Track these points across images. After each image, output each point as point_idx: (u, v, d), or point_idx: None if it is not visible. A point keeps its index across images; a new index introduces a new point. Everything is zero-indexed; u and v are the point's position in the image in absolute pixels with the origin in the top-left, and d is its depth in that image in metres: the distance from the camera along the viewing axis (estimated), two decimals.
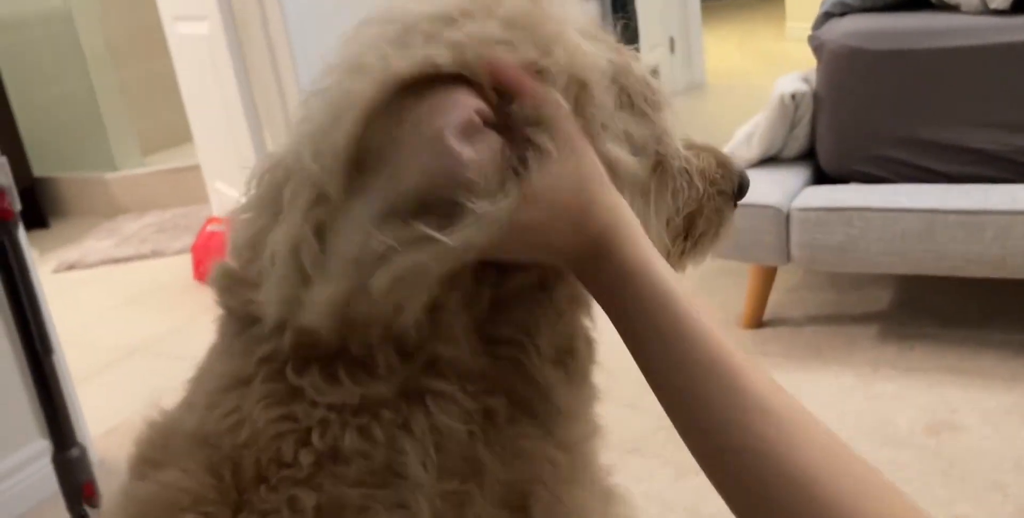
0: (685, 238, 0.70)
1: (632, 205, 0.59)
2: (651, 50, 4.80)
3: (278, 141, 2.68)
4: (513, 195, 0.50)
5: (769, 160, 2.32)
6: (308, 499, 0.51)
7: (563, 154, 0.52)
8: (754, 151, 2.27)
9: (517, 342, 0.56)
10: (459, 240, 0.48)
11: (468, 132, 0.49)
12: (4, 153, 1.51)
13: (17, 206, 1.49)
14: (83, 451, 1.62)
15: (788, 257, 2.13)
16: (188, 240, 3.42)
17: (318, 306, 0.50)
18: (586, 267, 0.55)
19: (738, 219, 2.31)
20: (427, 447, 0.53)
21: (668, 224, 0.67)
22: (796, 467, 0.49)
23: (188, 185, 3.95)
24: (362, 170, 0.50)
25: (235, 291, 0.57)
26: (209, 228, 3.13)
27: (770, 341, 2.24)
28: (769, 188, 2.15)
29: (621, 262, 0.53)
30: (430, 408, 0.53)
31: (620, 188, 0.57)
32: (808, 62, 2.33)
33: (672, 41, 5.17)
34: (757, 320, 2.30)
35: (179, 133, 3.93)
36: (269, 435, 0.52)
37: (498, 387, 0.56)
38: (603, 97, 0.58)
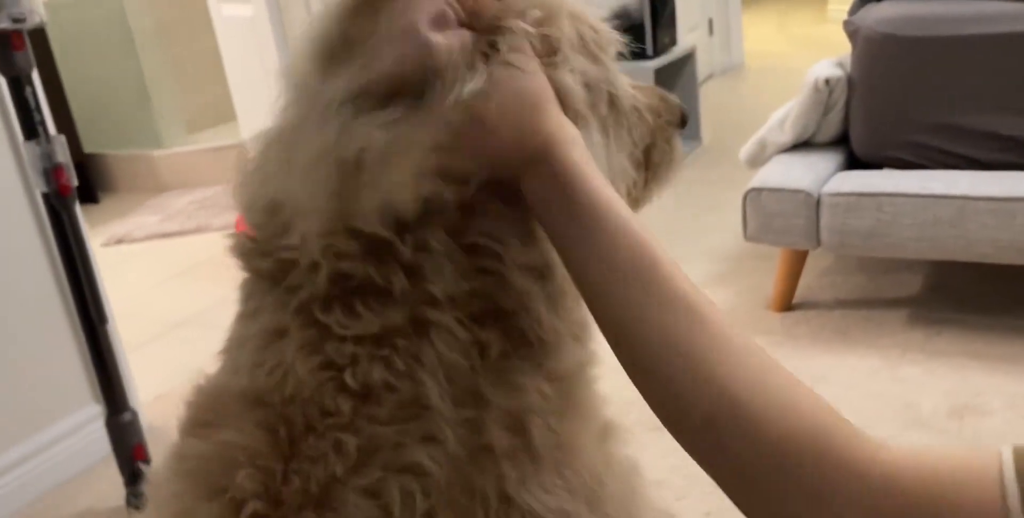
0: (646, 169, 0.74)
1: (594, 142, 0.64)
2: (689, 32, 4.77)
3: None
4: (477, 82, 0.54)
5: (803, 145, 2.34)
6: (350, 442, 0.55)
7: (518, 63, 0.57)
8: (787, 135, 2.29)
9: (491, 251, 0.58)
10: (427, 122, 0.53)
11: (439, 23, 0.54)
12: (58, 131, 1.60)
13: (74, 182, 1.57)
14: (134, 415, 1.71)
15: (818, 241, 2.15)
16: (231, 216, 3.51)
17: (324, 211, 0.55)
18: (527, 173, 0.57)
19: (770, 203, 2.32)
20: (439, 378, 0.56)
21: (630, 158, 0.71)
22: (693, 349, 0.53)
23: (232, 163, 4.04)
24: (337, 61, 0.54)
25: (261, 251, 0.61)
26: None
27: (799, 324, 2.27)
28: (801, 172, 2.17)
29: (562, 168, 0.56)
30: (434, 340, 0.57)
31: (572, 119, 0.60)
32: (848, 45, 2.34)
33: (711, 23, 5.14)
34: (787, 303, 2.33)
35: (224, 111, 4.01)
36: (312, 386, 0.56)
37: (488, 313, 0.58)
38: (562, 30, 0.62)
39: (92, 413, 1.97)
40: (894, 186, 2.04)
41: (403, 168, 0.54)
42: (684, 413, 0.54)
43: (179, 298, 2.94)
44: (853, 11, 2.31)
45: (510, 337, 0.59)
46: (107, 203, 4.20)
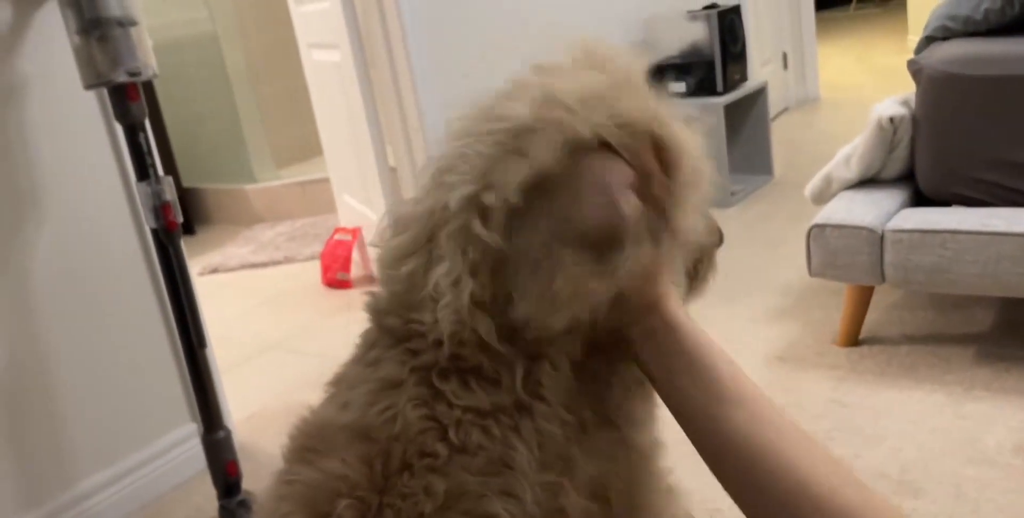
0: (692, 278, 0.86)
1: (673, 256, 0.76)
2: (763, 66, 4.80)
3: (399, 157, 2.89)
4: (644, 251, 0.67)
5: (868, 181, 2.37)
6: (440, 484, 0.63)
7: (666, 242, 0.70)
8: (852, 172, 2.33)
9: (600, 366, 0.72)
10: (621, 271, 0.65)
11: (625, 190, 0.66)
12: (160, 167, 1.75)
13: (180, 218, 1.72)
14: (228, 433, 1.84)
15: (882, 277, 2.18)
16: (317, 248, 3.68)
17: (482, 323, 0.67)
18: (640, 319, 0.70)
19: (835, 239, 2.35)
20: (531, 445, 0.66)
21: (685, 270, 0.83)
22: (758, 445, 0.65)
23: (317, 196, 4.22)
24: (539, 194, 0.67)
25: (393, 313, 0.71)
26: (336, 237, 3.38)
27: (865, 359, 2.29)
28: (865, 209, 2.20)
29: (671, 318, 0.70)
30: (535, 416, 0.67)
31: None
32: None
33: (785, 57, 5.15)
34: (853, 338, 2.35)
35: (310, 147, 4.21)
36: (416, 430, 0.65)
37: (586, 400, 0.70)
38: (692, 179, 0.73)
39: (189, 431, 2.11)
40: (956, 223, 2.06)
41: (581, 302, 0.66)
42: (765, 499, 0.64)
43: (268, 324, 3.10)
44: (918, 50, 2.34)
45: (605, 419, 0.71)
46: (202, 234, 4.44)
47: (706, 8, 3.60)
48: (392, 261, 0.72)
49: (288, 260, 3.76)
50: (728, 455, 0.65)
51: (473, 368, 0.67)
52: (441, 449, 0.64)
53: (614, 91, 0.69)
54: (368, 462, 0.65)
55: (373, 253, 0.75)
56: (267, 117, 4.66)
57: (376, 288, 0.75)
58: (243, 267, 3.77)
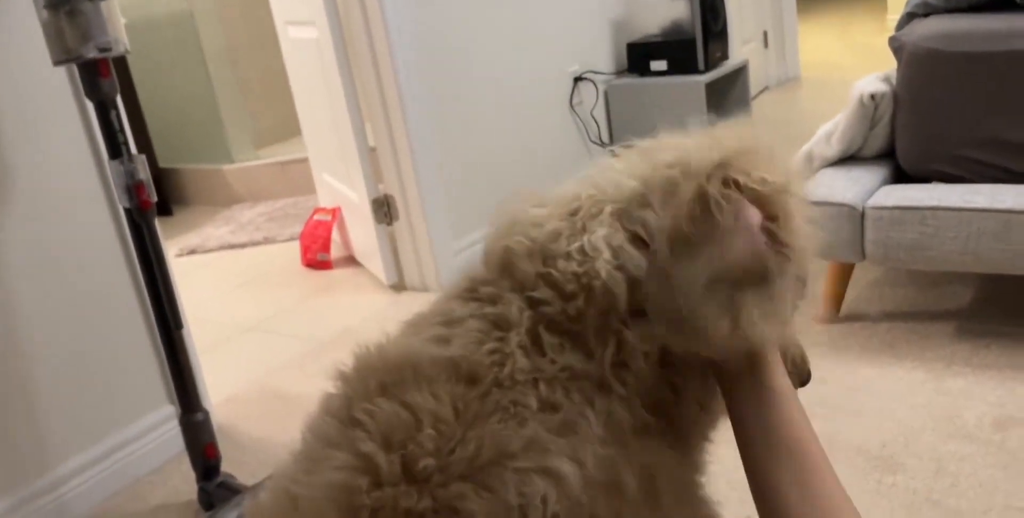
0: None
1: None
2: (743, 45, 4.79)
3: (379, 137, 2.86)
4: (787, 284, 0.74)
5: (849, 159, 2.36)
6: (525, 432, 0.67)
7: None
8: (833, 149, 2.32)
9: (681, 373, 0.76)
10: (785, 313, 0.73)
11: (759, 231, 0.73)
12: (135, 147, 1.72)
13: (154, 197, 1.69)
14: (206, 415, 1.82)
15: (863, 254, 2.18)
16: (297, 228, 3.65)
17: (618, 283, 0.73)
18: (743, 377, 0.74)
19: (816, 216, 2.35)
20: (600, 420, 0.70)
21: None
22: None
23: (297, 176, 4.19)
24: (689, 248, 0.72)
25: (532, 258, 0.75)
26: (316, 217, 3.35)
27: (846, 336, 2.29)
28: (846, 186, 2.20)
29: (774, 385, 0.74)
30: (612, 396, 0.71)
31: None
32: None
33: (766, 35, 5.14)
34: (834, 315, 2.35)
35: (289, 127, 4.17)
36: (520, 380, 0.69)
37: (657, 403, 0.74)
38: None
39: (167, 413, 2.09)
40: (937, 200, 2.06)
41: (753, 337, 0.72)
42: None
43: (246, 305, 3.08)
44: (899, 27, 2.33)
45: (665, 426, 0.75)
46: (180, 215, 4.39)
47: None
48: (538, 219, 0.78)
49: (267, 241, 3.73)
50: (762, 501, 0.70)
51: (576, 333, 0.72)
52: (532, 401, 0.69)
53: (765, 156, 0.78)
54: (464, 401, 0.68)
55: (502, 212, 0.85)
56: (246, 97, 4.61)
57: (499, 236, 0.79)
58: (221, 248, 3.74)
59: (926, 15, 2.30)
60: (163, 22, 4.35)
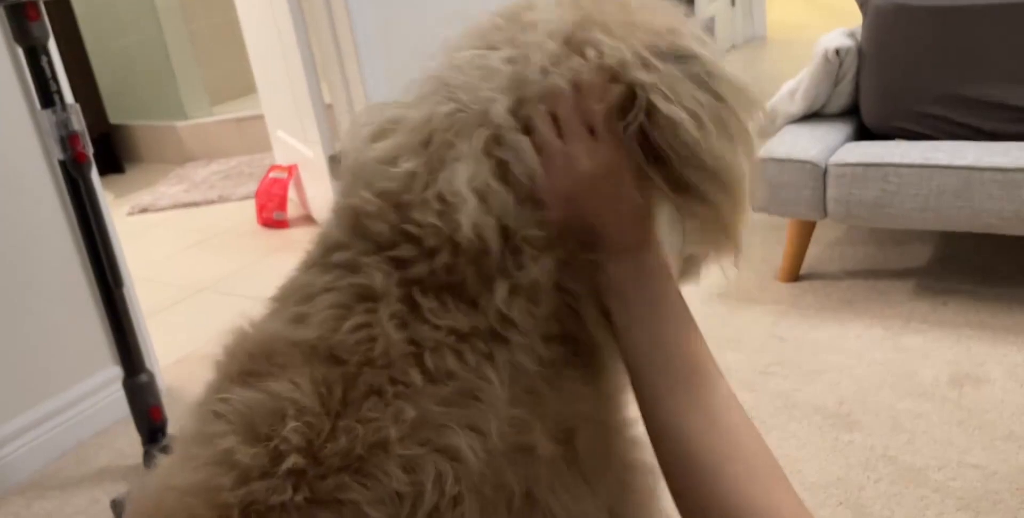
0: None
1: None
2: (710, 3, 4.74)
3: (335, 93, 2.77)
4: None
5: (812, 116, 2.33)
6: (410, 412, 0.59)
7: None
8: (797, 106, 2.29)
9: (577, 293, 0.66)
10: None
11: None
12: (81, 101, 1.64)
13: (90, 150, 1.62)
14: (151, 377, 1.77)
15: (824, 212, 2.16)
16: (252, 186, 3.56)
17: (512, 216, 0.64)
18: (623, 255, 0.66)
19: (777, 174, 2.33)
20: (503, 377, 0.62)
21: None
22: (703, 448, 0.61)
23: (253, 134, 4.09)
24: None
25: (381, 216, 0.65)
26: (271, 175, 3.27)
27: (806, 294, 2.29)
28: (809, 143, 2.17)
29: (657, 263, 0.66)
30: (511, 344, 0.63)
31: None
32: None
33: None
34: (794, 274, 2.34)
35: (246, 83, 4.05)
36: (396, 355, 0.61)
37: (561, 336, 0.66)
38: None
39: (111, 375, 2.03)
40: (899, 157, 2.04)
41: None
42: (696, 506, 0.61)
43: (200, 265, 3.01)
44: None
45: (574, 356, 0.67)
46: (132, 173, 4.28)
47: None
48: (385, 159, 0.67)
49: (222, 199, 3.64)
50: (661, 438, 0.63)
51: (454, 285, 0.63)
52: (416, 376, 0.60)
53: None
54: (326, 385, 0.60)
55: (346, 155, 0.71)
56: (200, 52, 4.47)
57: (346, 192, 0.69)
58: (174, 207, 3.64)
59: None
60: None
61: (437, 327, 0.62)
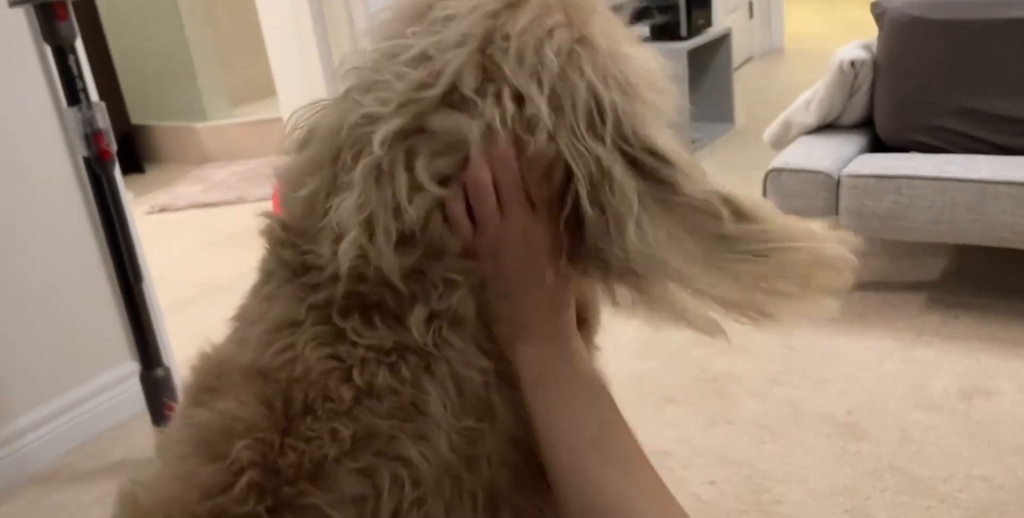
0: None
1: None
2: (728, 14, 4.75)
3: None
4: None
5: (827, 127, 2.35)
6: (346, 430, 0.59)
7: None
8: (812, 117, 2.30)
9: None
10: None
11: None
12: (104, 101, 1.67)
13: (113, 147, 1.65)
14: (167, 372, 1.79)
15: (837, 223, 2.16)
16: (269, 188, 3.60)
17: (387, 260, 0.60)
18: (530, 336, 0.64)
19: (790, 183, 2.33)
20: (448, 389, 0.61)
21: None
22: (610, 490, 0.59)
23: (271, 136, 4.12)
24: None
25: (289, 243, 0.64)
26: None
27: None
28: (822, 154, 2.18)
29: (567, 347, 0.64)
30: (449, 358, 0.61)
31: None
32: None
33: (751, 5, 5.10)
34: None
35: (265, 86, 4.09)
36: (318, 371, 0.60)
37: (498, 350, 0.64)
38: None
39: (130, 369, 2.06)
40: (913, 169, 2.05)
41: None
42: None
43: (217, 265, 3.04)
44: None
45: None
46: (152, 173, 4.32)
47: None
48: (292, 180, 0.65)
49: (240, 200, 3.68)
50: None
51: (376, 304, 0.61)
52: (345, 392, 0.60)
53: None
54: (267, 403, 0.61)
55: (280, 163, 0.68)
56: (222, 54, 4.52)
57: (273, 213, 0.67)
58: (193, 207, 3.68)
59: None
60: None
61: (357, 345, 0.61)
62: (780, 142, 2.38)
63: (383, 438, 0.60)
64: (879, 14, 2.21)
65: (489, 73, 0.60)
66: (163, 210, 3.68)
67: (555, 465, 0.61)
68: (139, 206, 3.69)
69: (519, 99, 0.59)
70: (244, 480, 0.59)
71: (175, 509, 0.60)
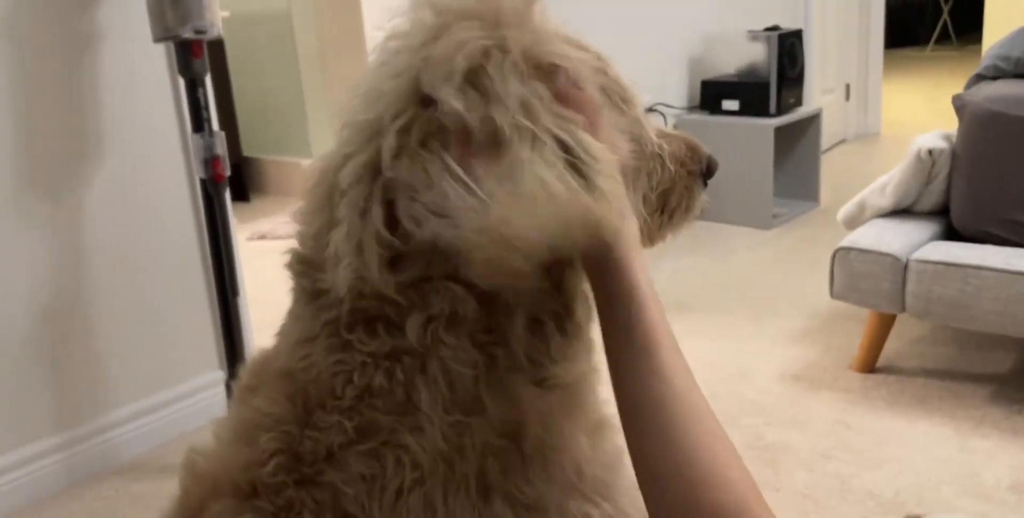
0: (661, 213, 0.83)
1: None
2: (823, 95, 4.79)
3: None
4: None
5: (903, 212, 2.38)
6: (349, 422, 0.69)
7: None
8: (886, 200, 2.34)
9: (507, 306, 0.70)
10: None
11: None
12: (222, 131, 1.86)
13: (227, 172, 1.83)
14: None
15: (903, 306, 2.19)
16: None
17: (380, 280, 0.68)
18: (595, 269, 0.69)
19: (859, 263, 2.36)
20: (439, 385, 0.68)
21: (644, 200, 0.81)
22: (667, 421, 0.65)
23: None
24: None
25: (306, 273, 0.74)
26: None
27: (879, 386, 2.30)
28: (893, 237, 2.22)
29: (618, 260, 0.68)
30: (442, 355, 0.68)
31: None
32: None
33: (848, 87, 5.13)
34: (869, 365, 2.36)
35: None
36: (327, 374, 0.71)
37: (491, 340, 0.70)
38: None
39: (217, 377, 2.21)
40: (980, 259, 2.07)
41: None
42: (646, 469, 0.66)
43: None
44: (967, 87, 2.36)
45: (517, 358, 0.71)
46: (256, 202, 4.56)
47: (767, 29, 3.62)
48: (304, 219, 0.75)
49: None
50: (635, 412, 0.66)
51: (377, 316, 0.70)
52: (348, 392, 0.69)
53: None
54: (291, 399, 0.71)
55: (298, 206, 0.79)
56: (330, 97, 4.77)
57: (294, 248, 0.77)
58: (291, 236, 3.83)
59: (995, 78, 2.32)
60: (263, 20, 4.55)
61: (359, 352, 0.69)
62: (853, 222, 2.42)
63: (386, 430, 0.69)
64: (960, 106, 2.25)
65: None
66: (263, 237, 3.88)
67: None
68: (241, 232, 3.91)
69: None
70: (273, 462, 0.70)
71: (223, 475, 0.72)
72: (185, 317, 2.15)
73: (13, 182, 1.82)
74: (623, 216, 0.66)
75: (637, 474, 0.66)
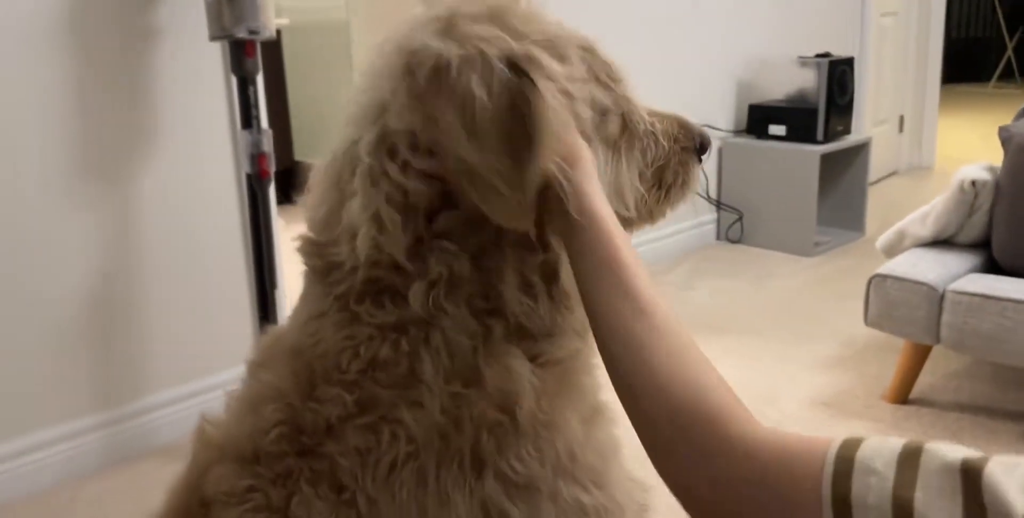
0: (658, 188, 0.86)
1: (606, 159, 0.78)
2: (876, 125, 4.74)
3: None
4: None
5: (943, 243, 2.35)
6: (349, 396, 0.73)
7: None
8: (927, 230, 2.32)
9: (499, 269, 0.73)
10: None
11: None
12: (275, 137, 1.91)
13: (272, 168, 1.88)
14: None
15: (937, 337, 2.16)
16: None
17: (397, 244, 0.72)
18: (563, 213, 0.70)
19: (895, 291, 2.32)
20: (441, 356, 0.71)
21: (641, 176, 0.84)
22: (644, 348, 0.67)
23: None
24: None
25: (316, 253, 0.78)
26: None
27: (910, 418, 2.27)
28: (930, 266, 2.20)
29: (590, 215, 0.70)
30: (443, 325, 0.71)
31: (587, 140, 0.74)
32: None
33: (902, 119, 5.08)
34: (903, 396, 2.33)
35: None
36: (335, 350, 0.74)
37: (488, 307, 0.73)
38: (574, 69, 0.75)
39: None
40: (1019, 293, 2.04)
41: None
42: (618, 379, 0.68)
43: None
44: (1016, 118, 2.33)
45: (514, 327, 0.74)
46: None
47: (818, 56, 3.61)
48: (311, 208, 0.80)
49: None
50: (621, 358, 0.68)
51: (387, 287, 0.73)
52: (353, 366, 0.73)
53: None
54: (296, 374, 0.75)
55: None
56: None
57: (303, 233, 0.81)
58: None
59: None
60: (321, 28, 4.65)
61: (367, 325, 0.72)
62: (893, 250, 2.40)
63: (385, 404, 0.72)
64: (1006, 138, 2.23)
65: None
66: None
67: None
68: (286, 233, 3.97)
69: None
70: (275, 432, 0.74)
71: (230, 443, 0.77)
72: (226, 308, 2.21)
73: (70, 170, 1.90)
74: (568, 129, 0.70)
75: (616, 390, 0.68)
